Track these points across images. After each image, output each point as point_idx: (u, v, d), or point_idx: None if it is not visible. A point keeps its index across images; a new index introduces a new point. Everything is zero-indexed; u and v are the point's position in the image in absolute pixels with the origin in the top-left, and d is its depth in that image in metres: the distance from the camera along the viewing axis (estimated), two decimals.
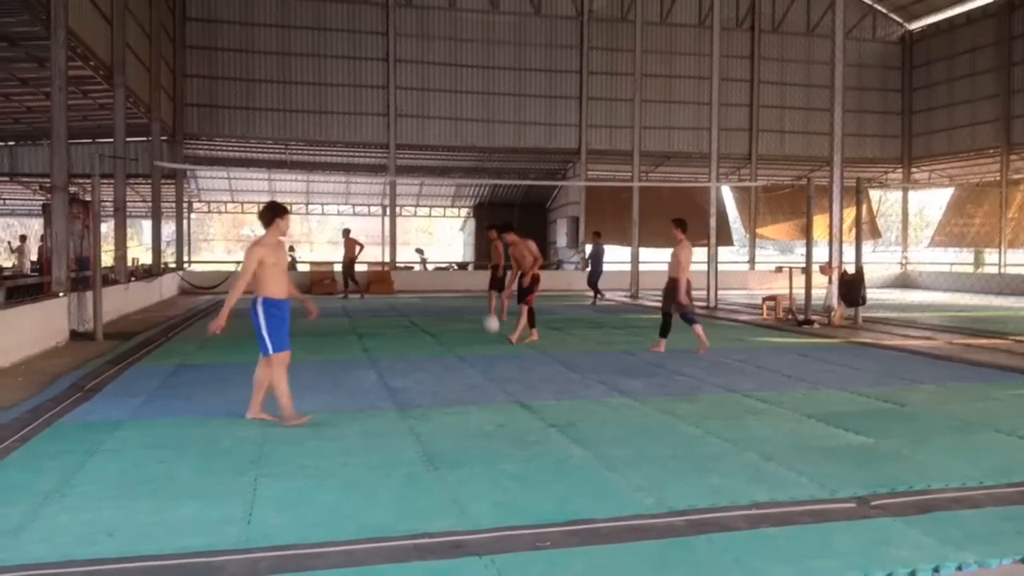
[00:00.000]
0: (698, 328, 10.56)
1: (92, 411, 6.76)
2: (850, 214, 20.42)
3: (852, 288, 14.06)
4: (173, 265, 24.12)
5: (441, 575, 3.44)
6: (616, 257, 27.58)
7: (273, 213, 6.35)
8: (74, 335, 11.51)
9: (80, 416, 6.55)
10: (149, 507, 4.27)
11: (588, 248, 21.76)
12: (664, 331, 10.76)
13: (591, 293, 19.92)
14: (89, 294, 12.01)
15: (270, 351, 6.22)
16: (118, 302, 14.66)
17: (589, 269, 20.30)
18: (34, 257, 22.43)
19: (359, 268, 22.61)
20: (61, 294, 11.45)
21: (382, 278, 23.92)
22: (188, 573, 3.44)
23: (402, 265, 27.17)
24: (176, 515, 4.15)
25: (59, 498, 4.41)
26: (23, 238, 23.63)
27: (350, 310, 17.23)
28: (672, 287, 10.53)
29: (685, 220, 11.03)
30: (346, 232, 21.62)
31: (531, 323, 11.55)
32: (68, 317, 11.49)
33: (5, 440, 5.65)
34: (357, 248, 21.04)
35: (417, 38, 25.54)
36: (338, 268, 22.91)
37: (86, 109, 19.64)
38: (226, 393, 7.55)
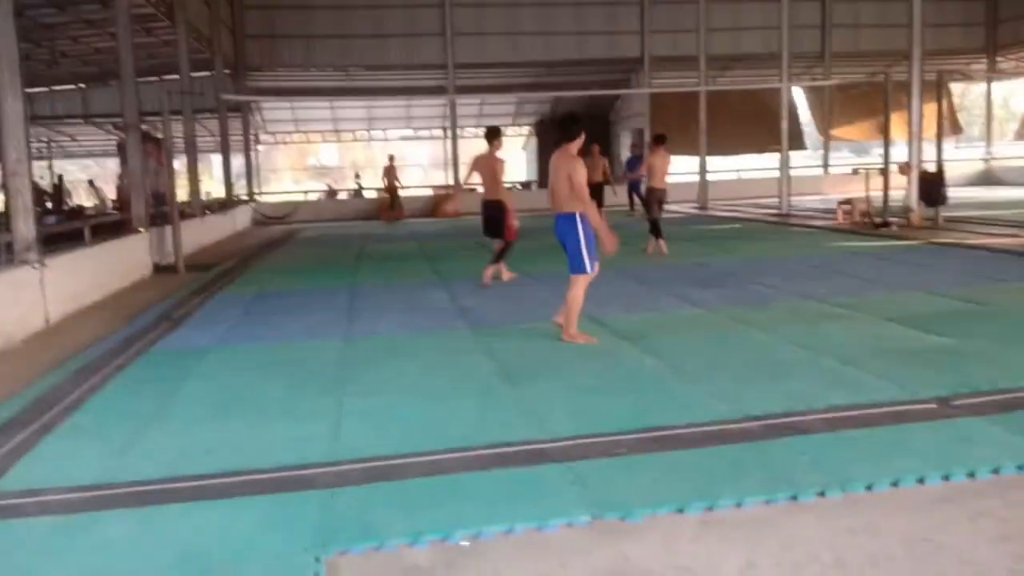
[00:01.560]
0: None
1: (181, 339, 7.08)
2: (930, 110, 19.48)
3: (932, 187, 13.53)
4: (244, 197, 24.64)
5: (522, 482, 3.55)
6: (684, 168, 27.05)
7: (577, 125, 6.26)
8: (157, 268, 11.96)
9: (170, 344, 6.87)
10: (242, 426, 4.50)
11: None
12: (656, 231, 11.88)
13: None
14: (168, 229, 12.42)
15: (588, 270, 6.16)
16: (195, 235, 15.12)
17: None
18: (112, 196, 23.22)
19: (426, 192, 22.85)
20: (142, 230, 11.86)
21: (448, 200, 23.98)
22: (282, 485, 3.63)
23: (466, 187, 27.13)
24: (268, 433, 4.36)
25: (158, 420, 4.68)
26: (91, 182, 24.30)
27: (418, 234, 17.40)
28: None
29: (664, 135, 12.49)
30: (391, 158, 22.59)
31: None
32: (150, 251, 11.93)
33: (103, 368, 5.98)
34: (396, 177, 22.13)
35: None
36: (402, 194, 23.46)
37: (151, 47, 19.90)
38: (305, 318, 7.79)
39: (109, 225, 12.46)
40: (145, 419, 4.69)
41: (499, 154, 9.09)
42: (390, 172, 22.28)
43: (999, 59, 28.70)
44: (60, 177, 22.54)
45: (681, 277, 9.36)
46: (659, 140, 12.33)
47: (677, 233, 14.95)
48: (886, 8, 26.57)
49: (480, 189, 9.85)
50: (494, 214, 9.12)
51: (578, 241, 6.10)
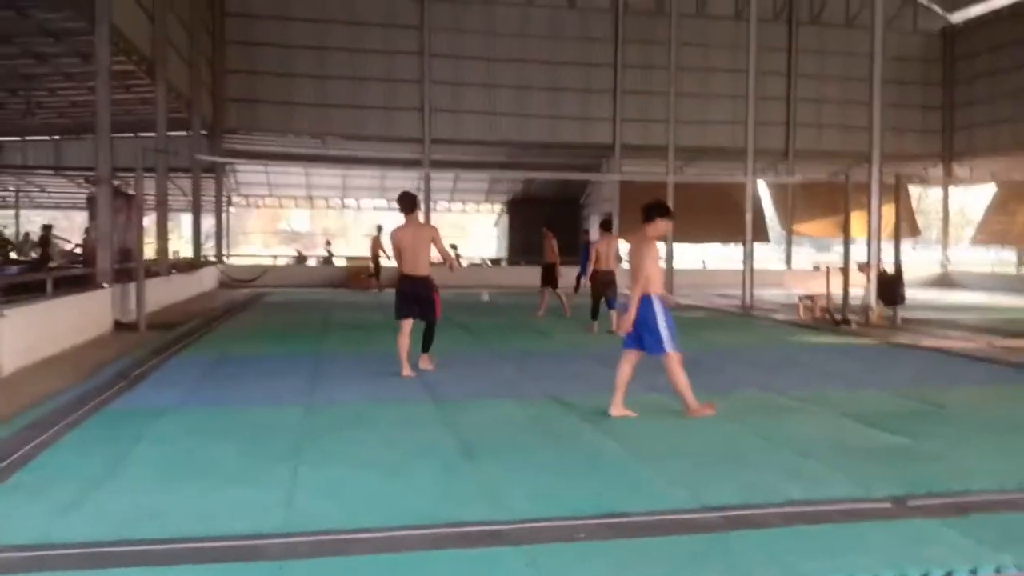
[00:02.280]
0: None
1: (137, 399, 6.93)
2: (889, 211, 20.15)
3: (890, 287, 13.87)
4: (212, 258, 24.51)
5: (478, 563, 3.50)
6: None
7: (658, 212, 6.37)
8: (118, 325, 11.76)
9: (126, 403, 6.72)
10: (193, 491, 4.39)
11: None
12: (595, 314, 12.40)
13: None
14: (132, 285, 12.27)
15: (668, 349, 6.27)
16: (160, 294, 14.95)
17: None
18: (68, 247, 22.83)
19: (394, 263, 22.82)
20: (105, 285, 11.71)
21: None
22: (231, 555, 3.53)
23: (436, 261, 27.27)
24: (219, 499, 4.26)
25: (106, 481, 4.55)
26: (46, 227, 23.78)
27: (384, 304, 17.36)
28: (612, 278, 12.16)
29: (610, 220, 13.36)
30: (378, 228, 22.18)
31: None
32: (112, 308, 11.75)
33: (55, 425, 5.82)
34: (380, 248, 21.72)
35: (451, 32, 25.61)
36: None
37: (128, 104, 20.02)
38: (266, 383, 7.69)
39: (72, 278, 12.29)
40: (92, 480, 4.55)
41: (421, 220, 8.32)
42: (376, 243, 22.09)
43: (955, 165, 29.94)
44: (47, 227, 22.07)
45: (644, 362, 9.39)
46: (606, 225, 13.02)
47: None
48: (848, 110, 27.75)
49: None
50: (422, 292, 8.03)
51: (655, 322, 6.29)
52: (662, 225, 6.42)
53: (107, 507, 4.14)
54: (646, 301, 6.27)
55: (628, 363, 6.50)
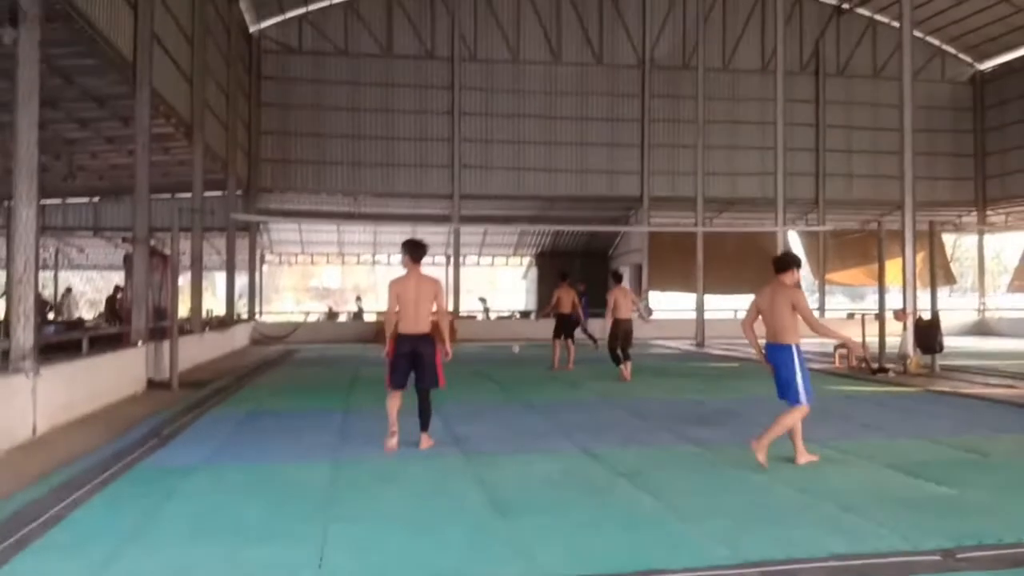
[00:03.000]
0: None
1: (168, 456, 6.94)
2: (923, 259, 19.88)
3: (928, 335, 13.61)
4: (245, 316, 24.76)
5: None
6: (681, 305, 27.32)
7: (794, 262, 6.71)
8: (151, 383, 11.86)
9: (157, 461, 6.73)
10: (224, 550, 4.35)
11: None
12: (616, 360, 12.88)
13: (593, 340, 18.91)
14: (166, 344, 12.40)
15: (803, 401, 6.38)
16: (193, 351, 15.09)
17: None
18: (81, 312, 23.26)
19: None
20: (140, 343, 11.86)
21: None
22: None
23: (465, 314, 27.36)
24: (249, 558, 4.22)
25: (138, 539, 4.53)
26: (68, 290, 24.37)
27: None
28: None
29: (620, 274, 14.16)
30: None
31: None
32: (146, 366, 11.87)
33: (88, 483, 5.84)
34: None
35: (481, 91, 26.07)
36: None
37: (166, 165, 20.51)
38: (296, 439, 7.67)
39: (107, 337, 12.46)
40: (124, 538, 4.54)
41: (424, 272, 7.19)
42: None
43: (989, 212, 29.59)
44: (68, 289, 22.62)
45: (679, 413, 9.29)
46: (617, 278, 13.87)
47: (675, 368, 14.95)
48: (878, 160, 27.68)
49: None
50: (423, 352, 6.98)
51: (793, 373, 6.41)
52: (797, 274, 6.69)
53: (139, 565, 4.12)
54: (794, 350, 6.48)
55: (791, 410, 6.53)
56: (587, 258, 31.67)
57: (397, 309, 7.00)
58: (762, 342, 6.65)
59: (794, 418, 6.43)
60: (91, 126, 17.16)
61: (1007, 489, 5.65)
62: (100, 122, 16.78)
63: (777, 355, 6.50)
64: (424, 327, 7.02)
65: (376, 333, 23.35)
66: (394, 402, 7.09)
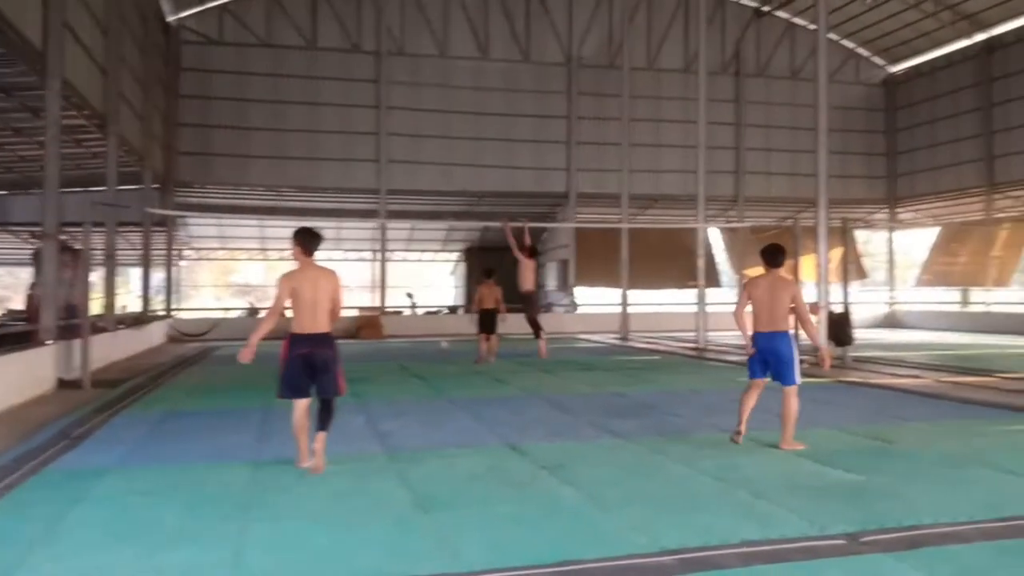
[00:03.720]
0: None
1: (78, 459, 6.71)
2: (837, 254, 20.63)
3: (839, 328, 14.13)
4: (162, 313, 24.05)
5: None
6: (605, 299, 27.71)
7: (784, 254, 7.06)
8: (61, 383, 11.42)
9: (66, 464, 6.50)
10: (136, 553, 4.23)
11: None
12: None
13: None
14: (77, 342, 11.96)
15: (798, 381, 6.91)
16: (106, 350, 14.59)
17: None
18: (14, 305, 22.31)
19: (351, 313, 22.71)
20: (49, 342, 11.41)
21: (372, 323, 23.90)
22: None
23: (392, 309, 27.17)
24: (164, 561, 4.11)
25: (45, 545, 4.37)
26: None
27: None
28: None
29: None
30: None
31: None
32: (55, 365, 11.43)
33: None
34: None
35: (408, 86, 25.88)
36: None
37: (79, 158, 19.76)
38: (214, 439, 7.51)
39: (14, 335, 11.95)
40: (30, 544, 4.37)
41: (322, 264, 6.29)
42: None
43: (899, 210, 30.87)
44: None
45: (601, 406, 9.43)
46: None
47: (599, 363, 15.15)
48: (795, 158, 28.58)
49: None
50: (322, 356, 6.09)
51: (793, 356, 6.88)
52: (787, 263, 7.13)
53: (45, 572, 3.97)
54: (791, 336, 6.94)
55: (757, 392, 7.09)
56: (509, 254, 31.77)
57: (288, 306, 6.13)
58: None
59: (797, 400, 6.90)
60: None
61: (909, 475, 5.93)
62: (7, 113, 16.06)
63: (776, 341, 6.89)
64: (323, 326, 6.11)
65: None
66: (301, 419, 6.10)
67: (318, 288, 6.07)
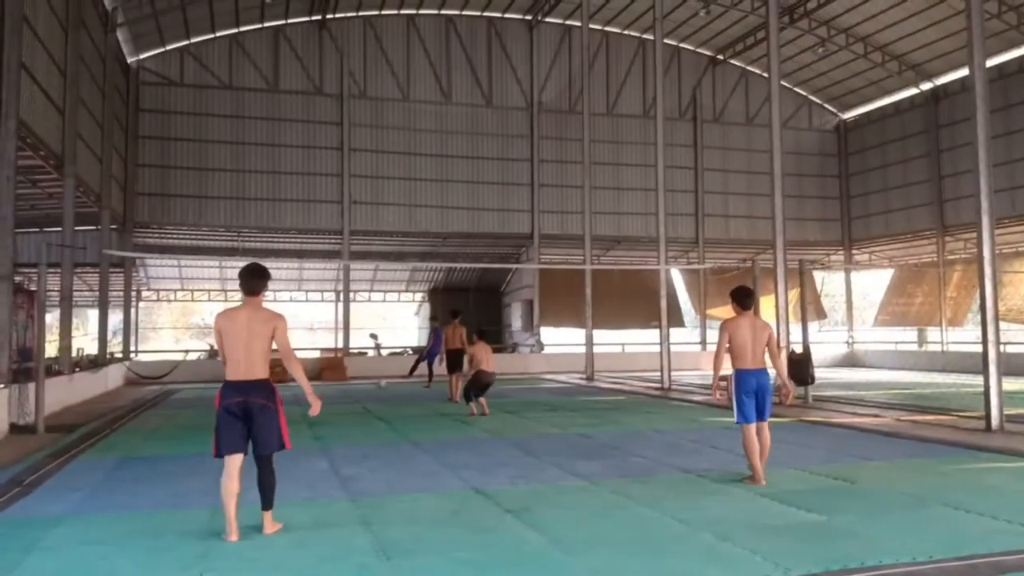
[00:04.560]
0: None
1: (31, 506, 6.51)
2: (795, 295, 20.99)
3: (801, 367, 14.30)
4: (120, 355, 23.59)
5: None
6: (570, 339, 27.81)
7: (751, 298, 7.30)
8: (14, 428, 11.11)
9: (18, 511, 6.30)
10: None
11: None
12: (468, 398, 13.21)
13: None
14: (31, 386, 11.66)
15: (738, 421, 7.17)
16: (61, 394, 14.24)
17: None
18: None
19: (313, 355, 22.51)
20: (1, 386, 11.11)
21: (335, 364, 23.67)
22: None
23: (356, 351, 26.95)
24: None
25: None
26: None
27: (302, 398, 16.93)
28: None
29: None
30: None
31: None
32: (8, 410, 11.12)
33: None
34: None
35: (372, 128, 26.03)
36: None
37: (34, 198, 19.45)
38: (172, 485, 7.34)
39: None
40: None
41: (265, 305, 5.64)
42: None
43: (854, 251, 31.57)
44: None
45: (566, 448, 9.41)
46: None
47: (563, 404, 15.14)
48: (752, 201, 29.21)
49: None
50: (260, 404, 5.44)
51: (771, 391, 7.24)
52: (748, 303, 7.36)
53: None
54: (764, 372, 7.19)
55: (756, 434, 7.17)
56: (480, 293, 31.87)
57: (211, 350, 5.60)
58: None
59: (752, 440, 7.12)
60: None
61: (871, 514, 5.99)
62: None
63: (765, 377, 7.19)
64: (258, 372, 5.43)
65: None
66: (232, 482, 5.34)
67: (251, 331, 5.42)
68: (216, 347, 5.44)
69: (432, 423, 12.13)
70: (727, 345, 7.19)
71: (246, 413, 5.41)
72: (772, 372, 7.42)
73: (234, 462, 5.39)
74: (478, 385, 12.94)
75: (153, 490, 7.14)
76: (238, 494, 5.38)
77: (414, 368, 20.45)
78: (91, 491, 7.13)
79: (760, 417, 7.14)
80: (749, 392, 7.11)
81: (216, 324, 5.55)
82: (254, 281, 5.57)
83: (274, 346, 5.55)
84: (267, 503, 5.55)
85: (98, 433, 11.30)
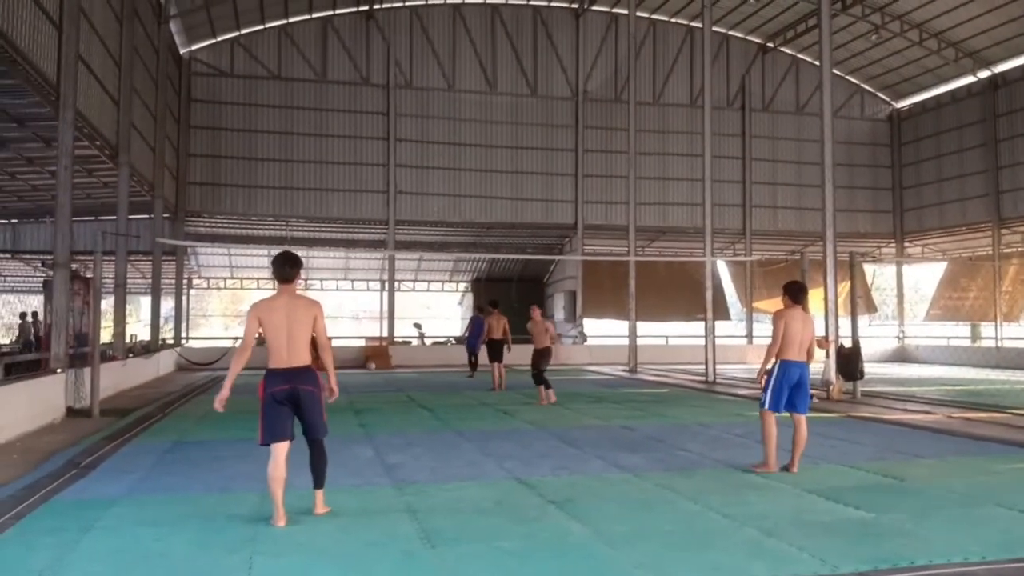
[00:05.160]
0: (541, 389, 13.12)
1: (87, 488, 6.71)
2: (845, 288, 20.61)
3: (850, 362, 14.08)
4: (171, 341, 24.12)
5: None
6: (614, 331, 27.70)
7: (803, 291, 7.63)
8: (70, 412, 11.45)
9: (75, 493, 6.50)
10: None
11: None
12: (540, 382, 13.18)
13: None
14: (87, 370, 12.00)
15: (766, 406, 7.37)
16: (115, 378, 14.63)
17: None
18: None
19: (358, 343, 22.81)
20: (59, 370, 11.45)
21: (380, 353, 23.91)
22: None
23: (400, 340, 27.19)
24: None
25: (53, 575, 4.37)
26: (25, 315, 23.61)
27: (348, 386, 17.16)
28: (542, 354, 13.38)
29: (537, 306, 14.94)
30: None
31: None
32: (65, 394, 11.46)
33: (0, 517, 5.61)
34: None
35: (417, 118, 26.17)
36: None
37: (90, 187, 19.96)
38: (221, 469, 7.51)
39: (25, 363, 12.01)
40: (38, 574, 4.37)
41: (300, 291, 5.78)
42: None
43: (906, 244, 30.87)
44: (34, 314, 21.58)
45: (609, 440, 9.39)
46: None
47: (607, 395, 15.11)
48: (802, 192, 28.70)
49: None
50: (307, 390, 5.54)
51: (808, 384, 7.42)
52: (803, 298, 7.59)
53: None
54: (806, 367, 7.39)
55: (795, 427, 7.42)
56: (523, 284, 31.89)
57: (259, 339, 5.60)
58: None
59: (770, 424, 7.39)
60: (10, 146, 16.61)
61: (921, 513, 5.87)
62: (20, 143, 16.26)
63: (805, 371, 7.37)
64: (302, 359, 5.53)
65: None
66: (280, 468, 5.42)
67: (292, 319, 5.49)
68: (249, 335, 5.60)
69: (475, 412, 12.20)
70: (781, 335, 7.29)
71: (293, 400, 5.48)
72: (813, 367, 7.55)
73: (281, 449, 5.48)
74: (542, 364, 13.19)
75: (204, 473, 7.31)
76: (285, 480, 5.48)
77: (472, 362, 19.72)
78: (145, 474, 7.32)
79: (797, 410, 7.33)
80: (791, 382, 7.27)
81: (253, 313, 5.57)
82: (287, 269, 5.64)
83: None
84: (318, 483, 5.73)
85: (151, 417, 11.59)
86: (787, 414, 7.40)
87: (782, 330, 7.31)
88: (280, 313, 5.49)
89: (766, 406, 7.36)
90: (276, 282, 5.69)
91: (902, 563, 4.60)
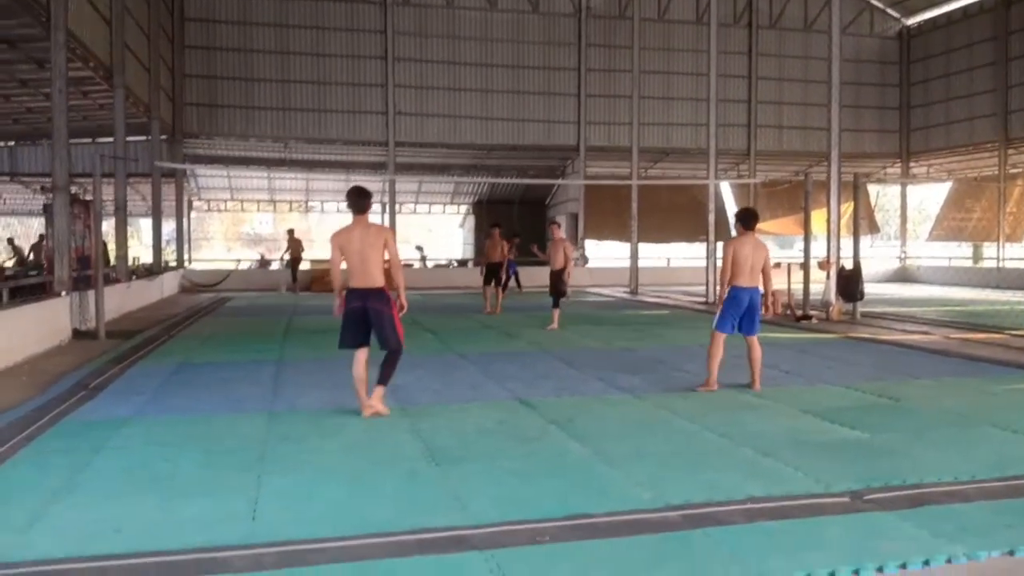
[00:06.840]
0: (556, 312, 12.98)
1: (96, 409, 6.84)
2: (848, 209, 20.48)
3: (850, 283, 14.11)
4: (174, 264, 24.18)
5: (442, 569, 3.51)
6: (615, 253, 27.70)
7: (755, 219, 7.91)
8: (76, 334, 11.57)
9: (85, 414, 6.63)
10: (155, 503, 4.35)
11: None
12: (556, 306, 13.09)
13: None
14: (91, 293, 12.07)
15: (714, 327, 7.73)
16: (120, 301, 14.73)
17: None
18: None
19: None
20: (63, 293, 11.52)
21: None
22: (194, 568, 3.51)
23: (403, 262, 27.21)
24: (181, 511, 4.22)
25: (66, 495, 4.49)
26: (11, 241, 23.65)
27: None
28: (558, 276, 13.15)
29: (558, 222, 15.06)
30: (290, 232, 23.23)
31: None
32: (70, 316, 11.56)
33: (11, 439, 5.72)
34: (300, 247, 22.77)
35: (415, 36, 25.58)
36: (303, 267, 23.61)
37: (86, 109, 19.68)
38: (227, 390, 7.63)
39: (29, 287, 12.06)
40: (52, 493, 4.49)
41: (372, 220, 6.63)
42: (295, 244, 22.56)
43: (912, 164, 30.55)
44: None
45: (610, 362, 9.50)
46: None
47: (608, 317, 15.22)
48: (808, 112, 28.23)
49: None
50: (376, 309, 6.36)
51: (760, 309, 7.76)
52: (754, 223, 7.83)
53: (67, 522, 4.08)
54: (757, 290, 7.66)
55: (724, 345, 7.73)
56: (524, 206, 31.72)
57: (344, 264, 6.45)
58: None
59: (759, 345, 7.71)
60: (3, 69, 16.31)
61: (914, 433, 5.99)
62: (12, 64, 15.95)
63: (755, 296, 7.64)
64: (375, 280, 6.33)
65: (312, 281, 23.14)
66: (359, 370, 6.42)
67: (365, 242, 6.32)
68: (335, 260, 6.55)
69: (478, 335, 12.31)
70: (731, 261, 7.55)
71: (364, 316, 6.35)
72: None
73: (359, 355, 6.44)
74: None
75: (211, 395, 7.44)
76: (365, 380, 6.42)
77: (506, 283, 19.12)
78: (152, 395, 7.45)
79: (748, 332, 7.69)
80: (740, 306, 7.61)
81: (335, 241, 6.44)
82: (361, 200, 6.48)
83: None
84: (381, 380, 6.53)
85: (157, 339, 11.72)
86: (740, 335, 7.76)
87: (731, 257, 7.56)
88: (356, 240, 6.34)
89: (715, 327, 7.72)
90: (351, 212, 6.47)
91: (894, 482, 4.71)
